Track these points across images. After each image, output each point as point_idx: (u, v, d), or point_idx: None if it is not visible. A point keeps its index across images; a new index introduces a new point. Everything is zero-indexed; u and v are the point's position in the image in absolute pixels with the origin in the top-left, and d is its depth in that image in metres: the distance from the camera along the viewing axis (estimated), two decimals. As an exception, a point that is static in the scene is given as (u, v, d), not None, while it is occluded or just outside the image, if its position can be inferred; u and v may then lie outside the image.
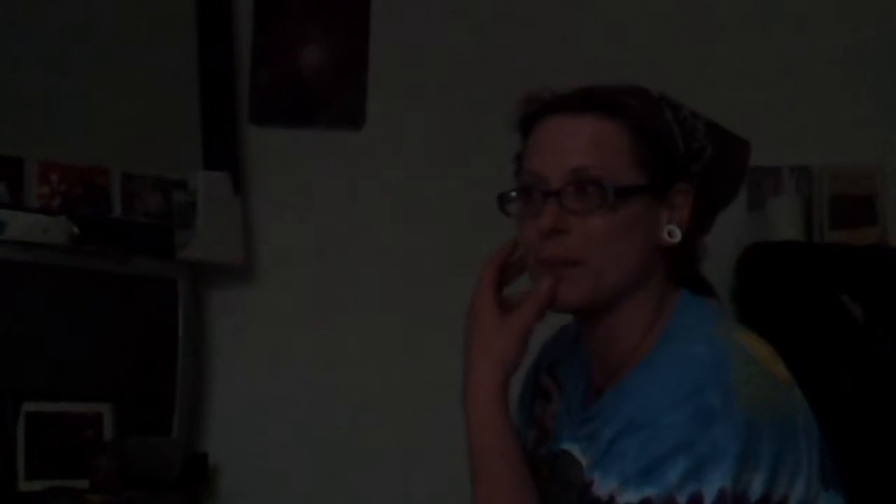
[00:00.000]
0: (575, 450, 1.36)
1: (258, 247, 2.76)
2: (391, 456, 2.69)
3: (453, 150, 2.78)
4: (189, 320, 2.62)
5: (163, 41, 2.71)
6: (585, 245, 1.31)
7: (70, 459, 2.32)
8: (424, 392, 2.66)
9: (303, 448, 2.70)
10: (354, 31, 2.82)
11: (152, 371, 2.59)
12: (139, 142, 2.62)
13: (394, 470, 2.68)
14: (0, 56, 2.47)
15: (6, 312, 2.32)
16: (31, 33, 2.52)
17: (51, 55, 2.53)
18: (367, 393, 2.71)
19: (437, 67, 2.81)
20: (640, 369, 1.30)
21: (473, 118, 2.77)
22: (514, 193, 1.38)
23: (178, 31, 2.73)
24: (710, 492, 1.17)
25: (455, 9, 2.83)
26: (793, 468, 1.23)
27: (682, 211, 1.35)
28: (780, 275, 2.44)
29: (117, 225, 2.53)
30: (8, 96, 2.45)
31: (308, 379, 2.72)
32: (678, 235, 1.34)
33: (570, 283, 1.32)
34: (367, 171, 2.80)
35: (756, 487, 1.20)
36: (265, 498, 2.70)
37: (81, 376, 2.44)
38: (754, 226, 2.57)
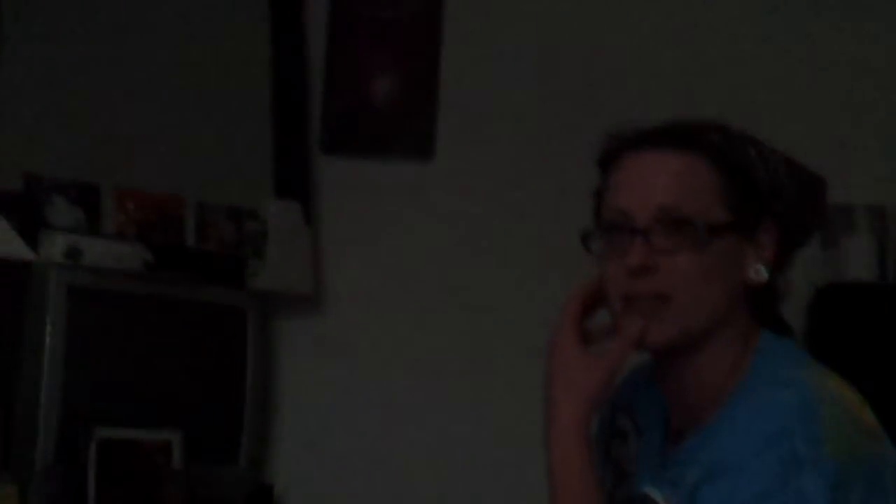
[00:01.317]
0: (656, 494, 1.35)
1: (327, 277, 2.77)
2: (461, 489, 2.67)
3: (523, 182, 2.78)
4: (258, 349, 2.63)
5: (236, 71, 2.74)
6: (674, 283, 1.30)
7: (139, 486, 2.34)
8: (494, 424, 2.66)
9: (370, 480, 2.69)
10: (425, 62, 2.83)
11: (221, 399, 2.60)
12: (212, 171, 2.64)
13: (466, 499, 2.66)
14: (79, 85, 2.50)
15: (81, 338, 2.34)
16: (109, 64, 2.55)
17: (128, 85, 2.56)
18: (436, 424, 2.71)
19: (508, 99, 2.81)
20: (724, 413, 1.28)
21: (543, 150, 2.77)
22: (596, 231, 1.38)
23: (251, 61, 2.76)
24: (796, 542, 1.16)
25: (526, 41, 2.83)
26: (882, 517, 1.21)
27: (767, 249, 1.34)
28: (854, 316, 2.40)
29: (191, 253, 2.54)
30: (86, 124, 2.48)
31: (376, 410, 2.72)
32: (765, 274, 1.34)
33: (658, 322, 1.31)
34: (437, 202, 2.80)
35: (843, 538, 1.18)
36: (330, 529, 2.70)
37: (152, 403, 2.45)
38: (827, 266, 2.53)
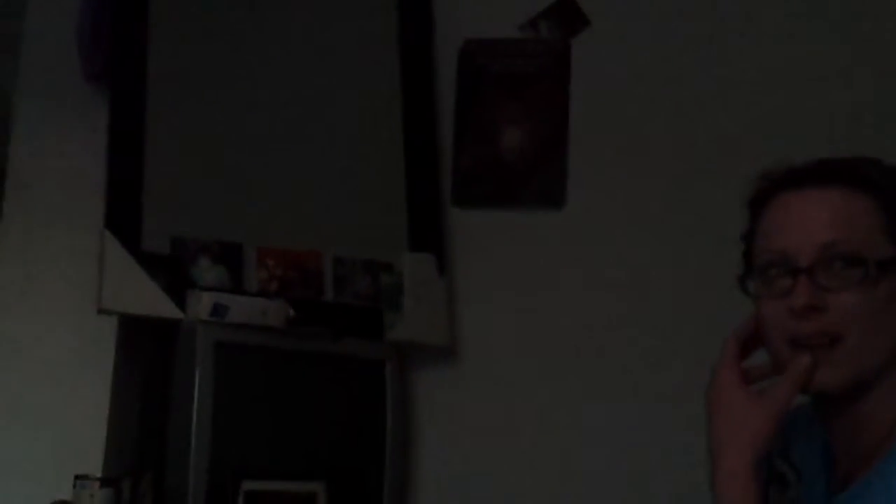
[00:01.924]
0: (823, 542, 1.33)
1: (463, 327, 2.79)
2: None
3: (652, 227, 2.77)
4: (397, 400, 2.65)
5: (370, 128, 2.79)
6: (845, 322, 1.27)
7: (286, 537, 2.37)
8: (637, 471, 2.63)
9: (510, 528, 2.70)
10: (554, 112, 2.85)
11: (362, 450, 2.62)
12: (349, 226, 2.69)
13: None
14: (220, 147, 2.58)
15: (227, 392, 2.39)
16: (248, 125, 2.63)
17: (267, 145, 2.63)
18: (574, 474, 2.69)
19: (636, 144, 2.82)
20: (893, 460, 1.26)
21: (671, 195, 2.77)
22: (753, 272, 1.36)
23: (384, 118, 2.81)
24: None
25: (654, 87, 2.84)
26: None
27: None
28: None
29: (330, 307, 2.59)
30: (228, 185, 2.56)
31: (514, 461, 2.72)
32: None
33: (828, 364, 1.28)
34: (568, 252, 2.81)
35: None
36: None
37: (296, 455, 2.48)
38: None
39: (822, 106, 2.72)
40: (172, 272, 2.42)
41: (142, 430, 2.46)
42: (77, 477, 2.25)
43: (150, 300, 2.37)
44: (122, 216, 2.42)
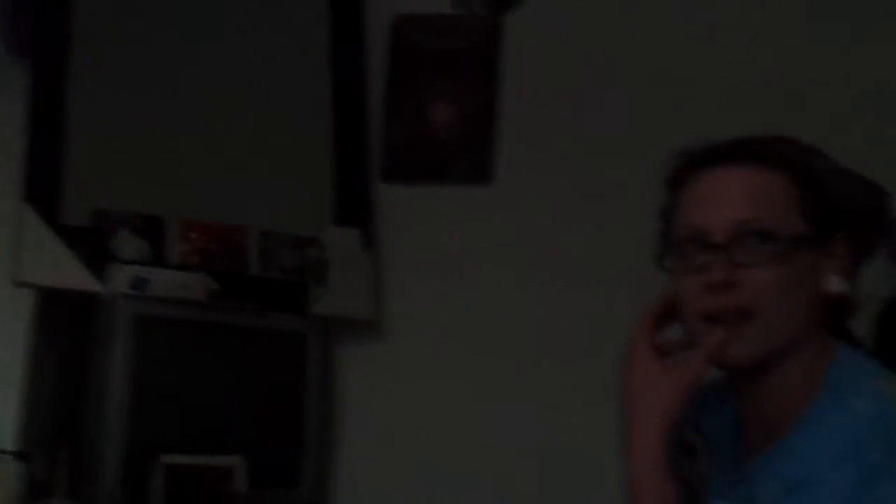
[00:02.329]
0: (729, 510, 1.34)
1: (388, 302, 2.78)
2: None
3: (580, 204, 2.78)
4: (319, 374, 2.65)
5: (297, 102, 2.77)
6: (757, 297, 1.28)
7: (204, 512, 2.36)
8: (559, 446, 2.65)
9: (432, 503, 2.70)
10: (484, 89, 2.85)
11: (283, 424, 2.61)
12: (274, 200, 2.67)
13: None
14: (142, 120, 2.54)
15: (147, 366, 2.37)
16: (171, 98, 2.60)
17: (190, 118, 2.61)
18: (499, 448, 2.70)
19: (566, 120, 2.82)
20: (800, 427, 1.27)
21: (602, 171, 2.77)
22: (668, 248, 1.37)
23: (312, 92, 2.79)
24: (876, 554, 1.14)
25: (585, 62, 2.84)
26: (963, 528, 1.19)
27: (842, 261, 1.33)
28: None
29: (254, 281, 2.58)
30: (150, 158, 2.53)
31: (437, 435, 2.72)
32: (842, 286, 1.32)
33: (741, 339, 1.29)
34: (497, 226, 2.81)
35: (925, 549, 1.16)
36: (393, 552, 2.70)
37: (216, 429, 2.48)
38: (893, 278, 2.51)
39: (755, 75, 2.73)
40: (92, 245, 2.39)
41: (59, 405, 2.43)
42: (-12, 450, 2.22)
43: (69, 273, 2.35)
44: (42, 188, 2.39)
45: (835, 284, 1.32)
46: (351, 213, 2.76)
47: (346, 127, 2.80)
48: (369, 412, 2.76)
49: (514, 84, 2.86)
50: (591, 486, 2.58)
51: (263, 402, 2.58)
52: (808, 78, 2.71)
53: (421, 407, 2.75)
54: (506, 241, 2.80)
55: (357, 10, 2.89)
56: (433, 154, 2.86)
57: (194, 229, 2.52)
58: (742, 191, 1.31)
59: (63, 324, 2.44)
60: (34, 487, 2.28)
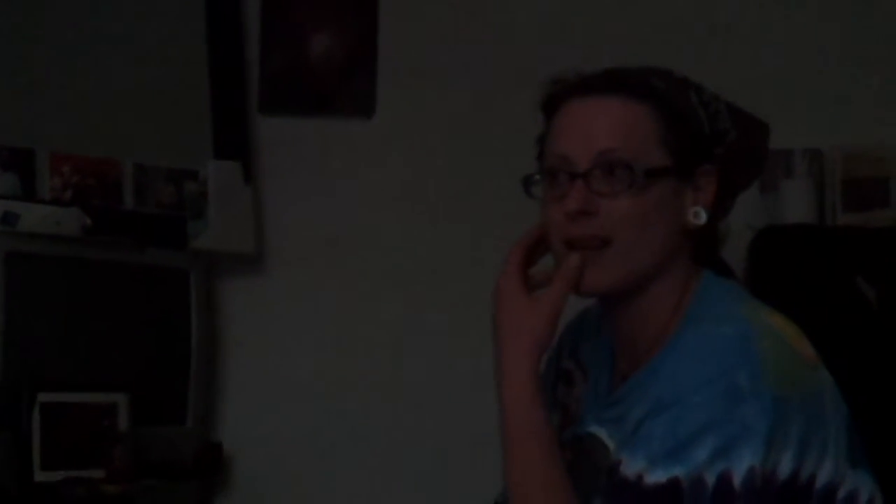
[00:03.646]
0: (601, 433, 1.37)
1: (270, 236, 2.76)
2: (406, 444, 2.69)
3: (465, 136, 2.78)
4: (202, 310, 2.62)
5: (172, 32, 2.70)
6: (613, 225, 1.31)
7: (85, 449, 2.32)
8: (438, 379, 2.67)
9: (317, 436, 2.71)
10: (363, 19, 2.81)
11: (166, 361, 2.59)
12: (150, 133, 2.61)
13: (409, 458, 2.68)
14: (11, 47, 2.46)
15: (20, 304, 2.32)
16: (40, 25, 2.51)
17: (60, 46, 2.52)
18: (381, 381, 2.72)
19: (448, 53, 2.80)
20: (667, 351, 1.30)
21: (485, 103, 2.76)
22: (538, 176, 1.38)
23: (186, 21, 2.72)
24: (738, 470, 1.18)
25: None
26: (820, 447, 1.24)
27: (706, 193, 1.36)
28: (793, 258, 2.43)
29: (129, 216, 2.52)
30: (19, 88, 2.45)
31: (321, 367, 2.72)
32: (703, 217, 1.36)
33: (599, 266, 1.32)
34: (379, 160, 2.79)
35: (784, 466, 1.20)
36: (280, 486, 2.70)
37: (96, 366, 2.44)
38: (766, 209, 2.57)
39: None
40: (-42, 178, 2.31)
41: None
42: None
43: (-66, 209, 2.27)
44: None
45: (695, 216, 1.35)
46: (230, 145, 2.71)
47: (221, 57, 2.74)
48: (253, 346, 2.75)
49: (394, 14, 2.82)
50: (474, 416, 2.62)
51: (146, 338, 2.55)
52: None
53: (303, 340, 2.74)
54: (386, 174, 2.79)
55: (232, -64, 2.82)
56: (312, 86, 2.81)
57: (66, 163, 2.46)
58: (604, 121, 1.34)
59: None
60: None
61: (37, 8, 2.51)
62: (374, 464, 2.69)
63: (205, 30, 2.73)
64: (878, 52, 2.65)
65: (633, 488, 1.22)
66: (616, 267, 1.32)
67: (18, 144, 2.41)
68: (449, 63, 2.80)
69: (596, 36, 2.68)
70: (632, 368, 1.38)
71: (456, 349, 2.62)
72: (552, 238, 1.36)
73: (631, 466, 1.23)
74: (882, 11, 2.66)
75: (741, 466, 1.18)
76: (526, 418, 1.31)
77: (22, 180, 2.39)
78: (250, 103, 2.79)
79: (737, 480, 1.17)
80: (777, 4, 2.72)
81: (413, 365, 2.72)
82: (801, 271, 2.38)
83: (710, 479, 1.18)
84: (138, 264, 2.52)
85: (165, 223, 2.58)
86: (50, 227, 2.34)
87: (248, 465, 2.71)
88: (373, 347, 2.73)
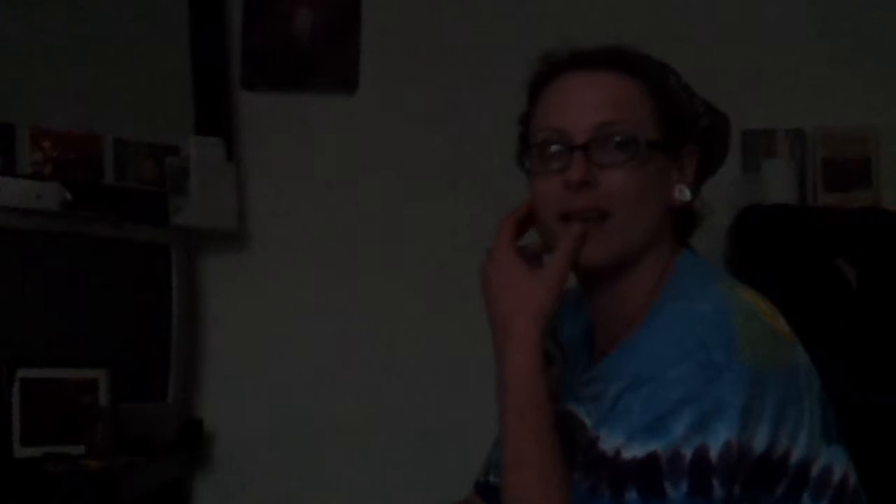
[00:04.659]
0: (579, 411, 1.38)
1: (251, 212, 2.75)
2: (391, 423, 2.69)
3: (448, 113, 2.77)
4: (183, 286, 2.61)
5: (153, 6, 2.69)
6: (614, 198, 1.33)
7: (66, 425, 2.31)
8: (418, 353, 2.68)
9: (298, 414, 2.71)
10: (347, -6, 2.80)
11: (147, 337, 2.58)
12: (131, 108, 2.60)
13: (394, 437, 2.69)
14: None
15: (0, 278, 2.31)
16: (19, 1, 2.50)
17: (41, 21, 2.51)
18: (361, 357, 2.72)
19: (431, 29, 2.79)
20: (644, 328, 1.31)
21: (467, 80, 2.76)
22: (533, 149, 1.38)
23: (169, -4, 2.72)
24: (715, 444, 1.18)
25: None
26: (796, 421, 1.24)
27: (689, 171, 1.38)
28: (774, 237, 2.44)
29: (110, 191, 2.52)
30: (-1, 63, 2.44)
31: (303, 343, 2.72)
32: (688, 195, 1.38)
33: (596, 241, 1.33)
34: (361, 136, 2.79)
35: (760, 440, 1.21)
36: (260, 463, 2.71)
37: (76, 342, 2.43)
38: (748, 188, 2.57)
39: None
40: (-62, 152, 2.30)
41: None
42: None
43: (-88, 183, 2.26)
44: None
45: (680, 193, 1.37)
46: (212, 121, 2.70)
47: (204, 32, 2.72)
48: (234, 322, 2.74)
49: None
50: (452, 392, 2.64)
51: (126, 314, 2.54)
52: None
53: (285, 317, 2.73)
54: (370, 150, 2.79)
55: None
56: (295, 61, 2.80)
57: (46, 138, 2.45)
58: (603, 95, 1.35)
59: None
60: None
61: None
62: (354, 440, 2.70)
63: (187, 4, 2.72)
64: (860, 33, 2.66)
65: (612, 463, 1.22)
66: (614, 241, 1.33)
67: (-2, 119, 2.40)
68: (432, 38, 2.80)
69: (584, 10, 2.68)
70: (610, 346, 1.38)
71: (436, 323, 2.63)
72: (544, 213, 1.37)
73: (609, 442, 1.24)
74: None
75: (718, 440, 1.18)
76: (529, 391, 1.30)
77: (2, 155, 2.39)
78: (232, 78, 2.78)
79: (713, 454, 1.18)
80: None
81: (394, 340, 2.72)
82: (782, 250, 2.39)
83: (688, 453, 1.18)
84: (119, 239, 2.51)
85: (146, 198, 2.57)
86: (30, 201, 2.33)
87: (229, 441, 2.71)
88: (354, 324, 2.73)
